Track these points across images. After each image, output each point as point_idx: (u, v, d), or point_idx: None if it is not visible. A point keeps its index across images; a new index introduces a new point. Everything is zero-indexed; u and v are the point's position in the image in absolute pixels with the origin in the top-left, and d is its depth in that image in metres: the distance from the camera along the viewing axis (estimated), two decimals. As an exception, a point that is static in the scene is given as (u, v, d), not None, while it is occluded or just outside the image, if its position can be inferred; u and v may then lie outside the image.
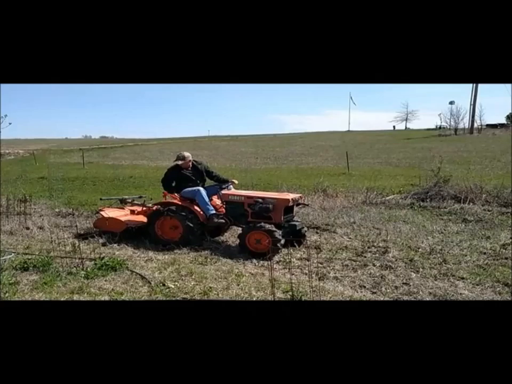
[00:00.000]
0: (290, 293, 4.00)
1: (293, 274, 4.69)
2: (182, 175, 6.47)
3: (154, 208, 6.55)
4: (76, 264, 4.98)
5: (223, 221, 6.18)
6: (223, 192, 6.29)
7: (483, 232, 6.74)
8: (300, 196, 6.52)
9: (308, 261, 5.15)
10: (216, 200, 6.51)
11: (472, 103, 48.93)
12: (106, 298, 4.07)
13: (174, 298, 4.08)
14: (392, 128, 75.67)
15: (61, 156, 31.91)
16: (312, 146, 36.51)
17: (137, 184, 13.31)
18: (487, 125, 53.07)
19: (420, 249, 5.83)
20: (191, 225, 6.01)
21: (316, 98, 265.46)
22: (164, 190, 6.59)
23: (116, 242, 6.16)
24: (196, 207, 6.21)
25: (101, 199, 8.25)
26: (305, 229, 6.44)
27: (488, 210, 8.31)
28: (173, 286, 4.40)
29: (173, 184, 6.49)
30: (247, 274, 4.87)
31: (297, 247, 5.92)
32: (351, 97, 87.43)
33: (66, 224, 7.59)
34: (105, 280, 4.58)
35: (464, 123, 50.23)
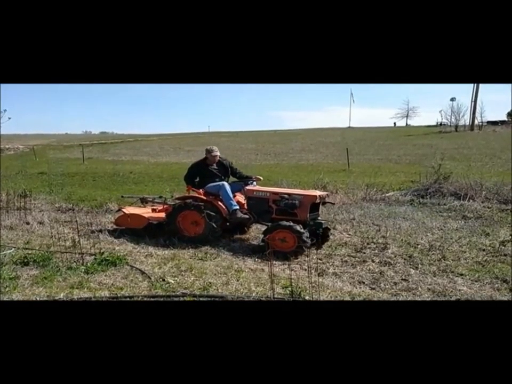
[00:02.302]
0: (289, 288, 4.01)
1: (292, 270, 4.70)
2: (208, 171, 6.40)
3: (176, 202, 6.49)
4: (76, 259, 4.99)
5: (247, 216, 6.07)
6: (247, 187, 6.19)
7: (482, 229, 6.75)
8: (327, 194, 6.38)
9: (307, 257, 5.16)
10: (240, 198, 6.40)
11: (473, 100, 48.87)
12: (106, 293, 4.08)
13: (173, 295, 4.08)
14: (392, 125, 75.61)
15: (61, 151, 31.92)
16: (312, 143, 36.47)
17: (137, 180, 13.30)
18: (488, 122, 53.01)
19: (419, 246, 5.84)
20: (214, 220, 5.92)
21: (317, 94, 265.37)
22: (187, 184, 6.50)
23: (116, 238, 6.19)
24: (219, 202, 6.11)
25: (122, 196, 8.47)
26: (329, 227, 6.24)
27: (488, 207, 8.32)
28: (172, 281, 4.41)
29: (197, 179, 6.42)
30: (246, 270, 4.89)
31: (320, 246, 5.72)
32: (352, 94, 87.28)
33: (66, 219, 7.60)
34: (105, 275, 4.59)
35: (465, 120, 50.22)
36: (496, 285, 4.44)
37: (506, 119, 57.04)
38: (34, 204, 8.99)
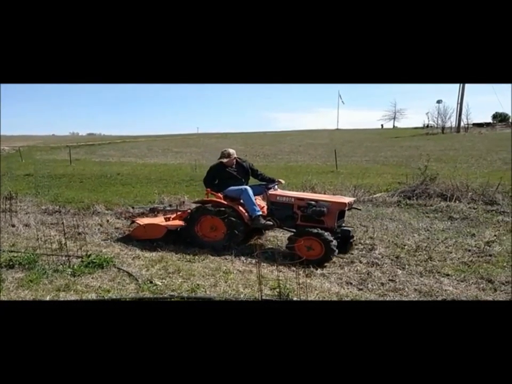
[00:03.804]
0: (277, 289, 4.02)
1: (281, 271, 4.72)
2: (226, 173, 6.14)
3: (195, 206, 6.25)
4: (63, 262, 4.94)
5: (271, 223, 5.77)
6: (270, 192, 5.92)
7: (468, 230, 6.83)
8: (354, 200, 6.14)
9: (297, 258, 5.17)
10: (260, 201, 6.19)
11: (459, 102, 49.45)
12: (93, 295, 4.06)
13: (160, 297, 4.06)
14: (380, 127, 76.17)
15: (48, 153, 31.54)
16: (301, 144, 36.60)
17: (124, 182, 13.19)
18: (474, 124, 53.71)
19: (406, 247, 5.90)
20: (233, 219, 5.71)
21: (306, 96, 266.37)
22: (206, 187, 6.23)
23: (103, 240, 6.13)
24: (240, 207, 5.88)
25: (132, 207, 8.35)
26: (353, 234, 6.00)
27: (474, 208, 8.42)
28: (160, 283, 4.39)
29: (216, 182, 6.18)
30: (235, 272, 4.88)
31: (345, 254, 5.57)
32: (340, 96, 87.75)
33: (53, 221, 7.52)
34: (92, 278, 4.56)
35: (451, 122, 50.76)
36: (482, 285, 4.50)
37: (491, 121, 57.87)
38: (20, 206, 8.87)
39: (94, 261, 4.91)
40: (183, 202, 8.75)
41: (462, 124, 49.27)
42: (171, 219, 6.53)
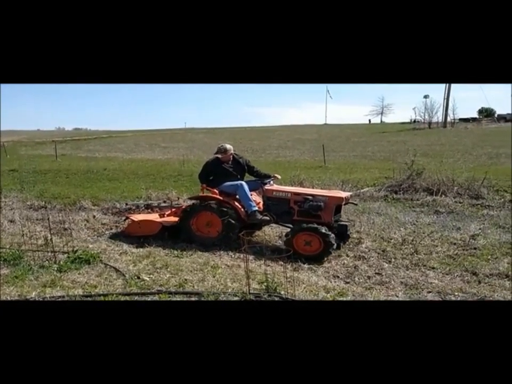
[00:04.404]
0: (265, 283, 4.04)
1: (269, 265, 4.73)
2: (222, 169, 6.06)
3: (190, 202, 6.17)
4: (48, 258, 4.89)
5: (267, 218, 5.72)
6: (266, 187, 5.86)
7: (454, 224, 6.93)
8: (350, 195, 6.15)
9: (284, 252, 5.19)
10: (256, 197, 6.10)
11: (445, 97, 49.90)
12: (80, 291, 4.03)
13: (148, 292, 4.05)
14: (367, 122, 76.55)
15: (33, 148, 31.13)
16: (289, 140, 36.64)
17: (111, 177, 13.09)
18: (460, 119, 54.23)
19: (392, 240, 5.96)
20: (232, 221, 5.61)
21: (293, 91, 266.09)
22: (201, 183, 6.18)
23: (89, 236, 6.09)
24: (236, 203, 5.81)
25: (126, 203, 8.25)
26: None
27: (459, 202, 8.54)
28: (147, 279, 4.38)
29: (211, 178, 6.11)
30: (223, 266, 4.89)
31: (340, 248, 5.55)
32: (328, 90, 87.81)
33: (39, 217, 7.44)
34: (79, 273, 4.52)
35: (438, 117, 51.17)
36: (466, 278, 4.57)
37: (477, 116, 58.55)
38: (5, 201, 8.78)
39: (81, 256, 4.87)
40: (178, 198, 8.70)
41: (448, 119, 49.77)
42: (166, 215, 6.48)
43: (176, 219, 6.15)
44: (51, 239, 5.12)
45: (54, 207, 8.47)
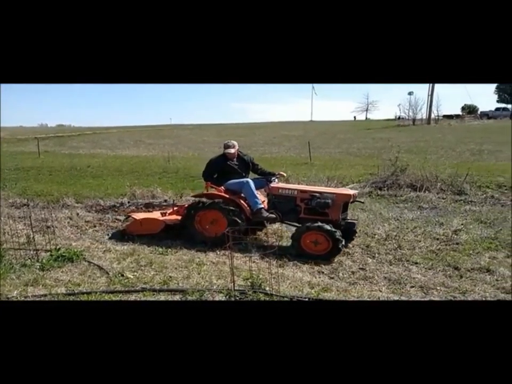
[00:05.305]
0: (250, 280, 4.04)
1: (254, 262, 4.74)
2: (227, 166, 5.96)
3: (195, 200, 6.04)
4: (31, 256, 4.83)
5: (273, 216, 5.63)
6: (272, 185, 5.79)
7: (437, 219, 7.02)
8: (358, 192, 6.03)
9: (270, 248, 5.21)
10: (260, 195, 5.99)
11: (429, 94, 50.35)
12: (63, 289, 3.98)
13: (132, 290, 4.02)
14: (353, 119, 76.94)
15: (15, 145, 30.53)
16: (275, 136, 36.59)
17: (95, 174, 12.93)
18: (444, 116, 54.80)
19: (376, 236, 6.01)
20: (237, 219, 5.50)
21: (278, 86, 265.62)
22: (205, 181, 6.04)
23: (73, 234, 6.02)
24: (242, 201, 5.74)
25: (128, 202, 8.11)
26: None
27: (443, 198, 8.66)
28: (131, 276, 4.35)
29: (215, 176, 6.00)
30: (208, 263, 4.88)
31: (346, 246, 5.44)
32: (313, 87, 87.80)
33: (21, 215, 7.31)
34: (62, 272, 4.48)
35: (422, 114, 51.62)
36: (448, 272, 4.65)
37: (460, 113, 59.26)
38: (-14, 199, 8.61)
39: (64, 254, 4.82)
40: (181, 197, 8.61)
41: (432, 116, 50.20)
42: (167, 214, 6.37)
43: (178, 217, 6.07)
44: (33, 237, 5.06)
45: (37, 204, 8.36)
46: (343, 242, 5.10)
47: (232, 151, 6.00)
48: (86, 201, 8.47)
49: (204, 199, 5.71)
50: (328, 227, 5.06)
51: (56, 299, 3.74)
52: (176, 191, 9.46)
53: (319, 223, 5.11)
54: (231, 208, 5.56)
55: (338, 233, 5.05)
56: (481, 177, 10.18)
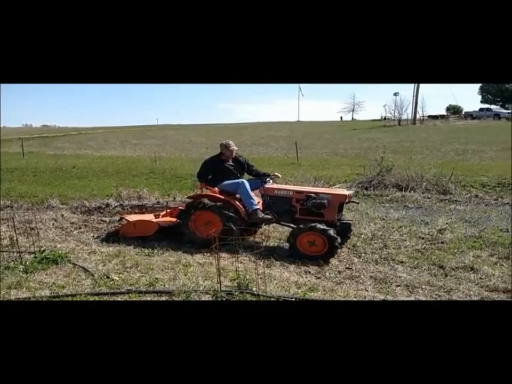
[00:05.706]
0: (237, 280, 4.04)
1: (241, 262, 4.73)
2: (223, 167, 5.90)
3: (189, 201, 5.97)
4: (14, 258, 4.76)
5: (269, 216, 5.58)
6: (267, 186, 5.76)
7: (422, 218, 7.09)
8: (353, 193, 6.02)
9: (257, 249, 5.21)
10: (255, 197, 5.89)
11: (415, 94, 50.83)
12: (47, 292, 3.93)
13: (117, 292, 3.99)
14: (339, 119, 77.31)
15: (-1, 146, 30.12)
16: (263, 136, 36.62)
17: (80, 175, 12.80)
18: (429, 116, 55.37)
19: (362, 235, 6.05)
20: (233, 226, 5.43)
21: (265, 87, 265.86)
22: (200, 182, 6.03)
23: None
24: (237, 201, 5.69)
25: (121, 204, 8.00)
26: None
27: (428, 198, 8.76)
28: (117, 278, 4.31)
29: (210, 177, 5.95)
30: (195, 264, 4.86)
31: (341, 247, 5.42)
32: (300, 88, 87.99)
33: (4, 217, 7.20)
34: (46, 274, 4.42)
35: (408, 114, 52.07)
36: (433, 271, 4.70)
37: (445, 113, 59.95)
38: (-32, 201, 8.45)
39: (48, 256, 4.76)
40: (174, 198, 8.55)
41: (417, 116, 50.68)
42: (161, 216, 6.30)
43: (172, 219, 6.01)
44: (16, 239, 4.99)
45: (21, 206, 8.24)
46: (339, 240, 5.08)
47: (229, 150, 5.97)
48: (71, 203, 8.38)
49: (206, 200, 5.65)
50: (324, 227, 5.03)
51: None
52: (163, 192, 9.41)
53: (322, 225, 5.06)
54: (231, 214, 5.51)
55: (335, 236, 5.02)
56: (465, 176, 10.33)
